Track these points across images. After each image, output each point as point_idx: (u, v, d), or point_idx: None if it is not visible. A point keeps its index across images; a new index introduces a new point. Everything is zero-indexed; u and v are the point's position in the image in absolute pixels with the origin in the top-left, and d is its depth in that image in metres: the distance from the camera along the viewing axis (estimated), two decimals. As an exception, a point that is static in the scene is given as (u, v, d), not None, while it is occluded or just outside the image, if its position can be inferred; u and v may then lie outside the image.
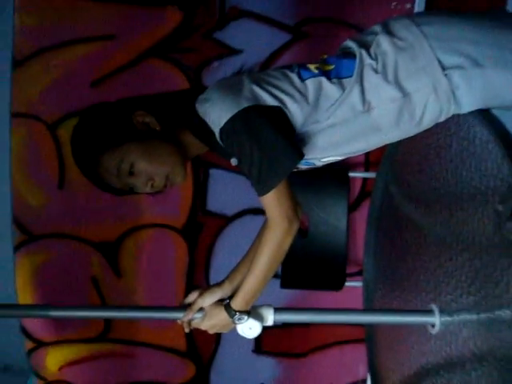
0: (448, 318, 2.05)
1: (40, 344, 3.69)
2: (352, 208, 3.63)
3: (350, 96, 1.84)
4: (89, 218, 3.55)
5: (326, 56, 1.96)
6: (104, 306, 3.57)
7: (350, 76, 1.85)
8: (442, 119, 1.89)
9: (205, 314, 2.02)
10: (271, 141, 1.76)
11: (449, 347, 2.06)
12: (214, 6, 3.32)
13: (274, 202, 1.78)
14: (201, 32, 3.33)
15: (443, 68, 1.80)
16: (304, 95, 1.84)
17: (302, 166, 1.97)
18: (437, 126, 2.10)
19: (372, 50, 1.86)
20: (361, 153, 2.04)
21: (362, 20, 3.36)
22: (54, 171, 3.44)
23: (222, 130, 1.79)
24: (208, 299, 2.02)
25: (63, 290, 3.62)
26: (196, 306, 2.03)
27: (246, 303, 1.91)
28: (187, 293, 3.58)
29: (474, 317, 1.92)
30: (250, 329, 1.97)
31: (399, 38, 1.85)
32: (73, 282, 3.64)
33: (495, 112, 1.90)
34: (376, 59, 1.84)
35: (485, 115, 1.88)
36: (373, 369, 2.71)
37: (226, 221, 3.60)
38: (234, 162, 1.86)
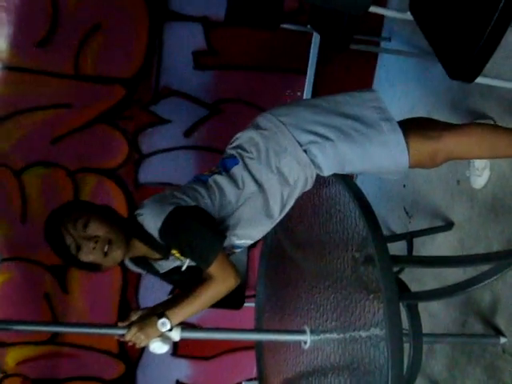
0: (316, 337, 1.99)
1: (2, 344, 3.53)
2: (251, 246, 3.55)
3: (234, 182, 1.80)
4: (43, 245, 3.41)
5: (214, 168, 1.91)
6: (55, 322, 3.45)
7: (234, 165, 1.82)
8: (310, 183, 1.84)
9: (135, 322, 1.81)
10: (199, 231, 1.72)
11: (316, 359, 2.00)
12: (150, 85, 3.26)
13: (217, 270, 1.72)
14: (139, 105, 3.27)
15: (301, 145, 1.75)
16: (210, 192, 1.80)
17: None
18: (314, 190, 2.08)
19: (247, 146, 1.82)
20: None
21: (264, 101, 3.32)
22: (18, 208, 3.29)
23: (160, 233, 1.72)
24: (139, 312, 1.85)
25: (22, 302, 3.45)
26: (129, 317, 1.85)
27: (176, 316, 1.76)
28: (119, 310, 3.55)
29: (335, 336, 1.87)
30: (160, 347, 1.79)
31: (264, 128, 1.80)
32: (29, 296, 3.48)
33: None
34: (251, 151, 1.80)
35: (348, 183, 1.83)
36: (260, 371, 2.62)
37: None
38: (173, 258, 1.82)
